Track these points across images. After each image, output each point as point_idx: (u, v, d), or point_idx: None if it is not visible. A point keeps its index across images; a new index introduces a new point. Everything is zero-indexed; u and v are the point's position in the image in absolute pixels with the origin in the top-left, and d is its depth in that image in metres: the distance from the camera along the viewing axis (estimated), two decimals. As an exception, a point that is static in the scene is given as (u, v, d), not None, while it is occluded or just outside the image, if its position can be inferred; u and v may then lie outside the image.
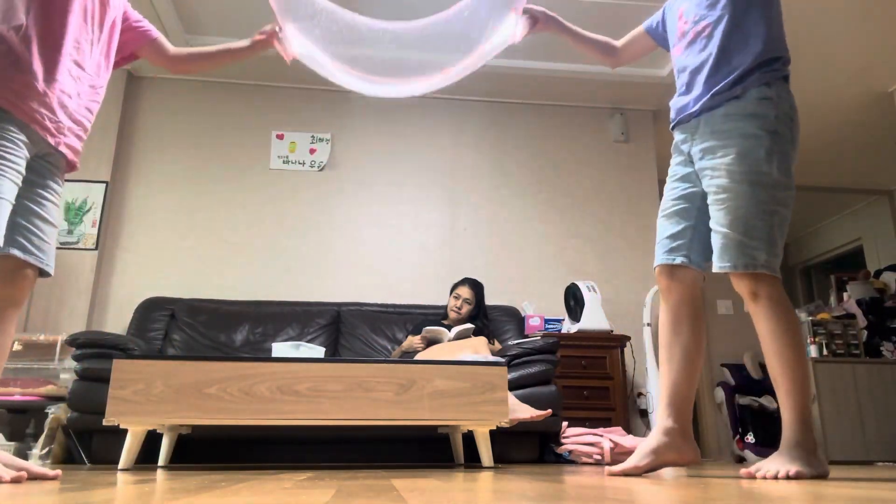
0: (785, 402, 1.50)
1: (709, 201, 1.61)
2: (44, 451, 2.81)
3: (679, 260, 1.68)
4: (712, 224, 1.59)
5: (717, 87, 1.59)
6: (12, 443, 2.99)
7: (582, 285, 3.79)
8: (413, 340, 3.30)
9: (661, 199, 4.91)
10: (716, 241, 1.58)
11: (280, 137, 4.26)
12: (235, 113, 4.28)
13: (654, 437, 1.61)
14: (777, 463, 1.44)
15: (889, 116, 4.44)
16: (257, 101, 4.31)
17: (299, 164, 4.23)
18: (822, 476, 1.42)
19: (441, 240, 4.21)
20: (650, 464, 1.59)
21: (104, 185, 3.91)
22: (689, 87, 1.68)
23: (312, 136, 4.28)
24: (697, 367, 1.66)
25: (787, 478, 1.38)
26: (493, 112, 4.50)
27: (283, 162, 4.22)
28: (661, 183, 4.50)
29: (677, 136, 1.73)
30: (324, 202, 4.18)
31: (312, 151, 4.26)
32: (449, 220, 4.26)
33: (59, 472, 1.40)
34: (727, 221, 1.54)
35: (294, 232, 4.10)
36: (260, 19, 3.74)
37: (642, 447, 1.61)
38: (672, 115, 1.74)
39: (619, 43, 1.98)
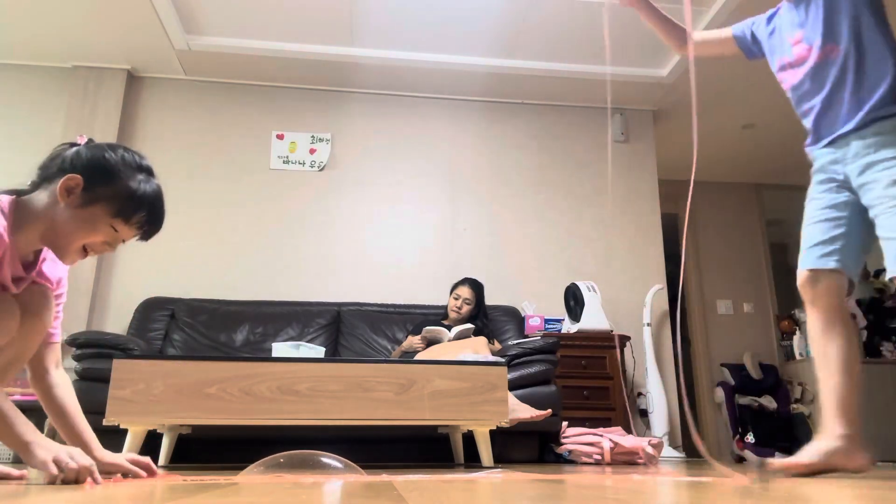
0: None
1: (876, 212, 1.62)
2: (44, 451, 2.81)
3: (832, 264, 1.69)
4: (883, 232, 1.60)
5: (866, 108, 1.63)
6: (12, 443, 2.99)
7: (582, 285, 3.79)
8: (413, 340, 3.30)
9: (660, 199, 4.90)
10: (890, 247, 1.58)
11: (280, 137, 4.26)
12: (235, 113, 4.28)
13: (827, 441, 1.60)
14: None
15: (889, 116, 4.43)
16: (257, 101, 4.31)
17: (299, 164, 4.23)
18: None
19: (441, 240, 4.21)
20: (819, 465, 1.57)
21: (104, 185, 3.91)
22: (827, 109, 1.72)
23: (312, 136, 4.29)
24: (856, 372, 1.66)
25: None
26: (493, 112, 4.50)
27: (283, 162, 4.22)
28: (661, 183, 4.54)
29: (824, 157, 1.75)
30: (324, 202, 4.18)
31: (312, 151, 4.26)
32: (449, 220, 4.26)
33: (25, 472, 1.40)
34: None
35: (294, 232, 4.10)
36: (260, 20, 3.74)
37: (813, 448, 1.59)
38: (813, 136, 1.78)
39: (697, 36, 2.02)
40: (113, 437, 2.49)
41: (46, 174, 1.30)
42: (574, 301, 3.82)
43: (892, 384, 4.48)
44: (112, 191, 1.30)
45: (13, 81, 4.08)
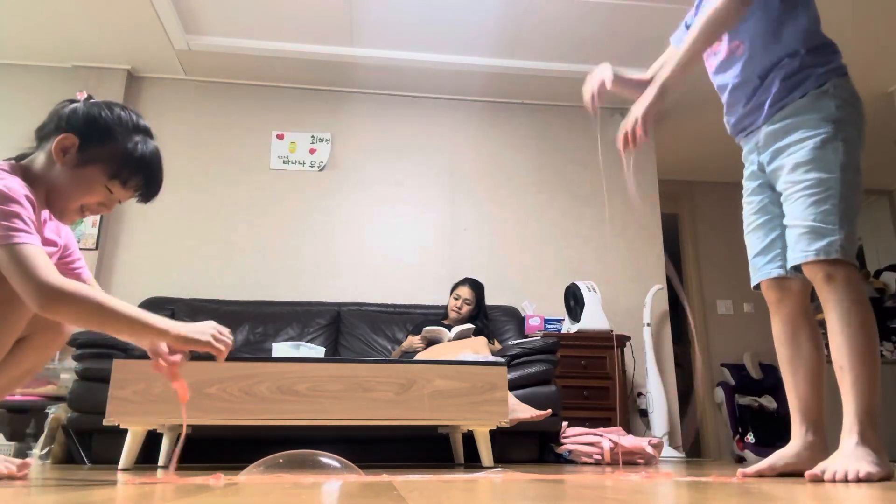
0: (851, 393, 1.42)
1: (782, 199, 1.60)
2: (44, 451, 2.81)
3: (777, 272, 1.66)
4: (787, 220, 1.57)
5: (770, 98, 1.62)
6: (12, 443, 2.99)
7: (582, 285, 3.79)
8: (413, 340, 3.30)
9: (660, 199, 4.90)
10: (791, 235, 1.55)
11: (280, 137, 4.26)
12: (235, 113, 4.28)
13: (795, 447, 1.59)
14: (843, 463, 1.33)
15: (889, 116, 4.44)
16: (257, 101, 4.31)
17: (299, 164, 4.23)
18: (888, 477, 1.32)
19: (441, 240, 4.21)
20: (786, 467, 1.55)
21: (104, 185, 3.91)
22: (737, 103, 1.72)
23: (312, 136, 4.29)
24: (823, 378, 1.64)
25: (858, 480, 1.27)
26: (492, 112, 4.50)
27: (283, 162, 4.22)
28: (662, 183, 4.53)
29: (745, 147, 1.78)
30: (324, 202, 4.18)
31: (312, 151, 4.26)
32: (449, 220, 4.26)
33: (27, 472, 1.40)
34: (799, 212, 1.52)
35: (294, 232, 4.10)
36: (260, 20, 3.74)
37: (781, 452, 1.58)
38: (730, 129, 1.80)
39: (657, 68, 2.02)
40: (113, 437, 2.49)
41: (43, 133, 1.28)
42: (574, 301, 3.82)
43: (892, 384, 4.47)
44: (107, 152, 1.27)
45: (13, 81, 4.08)
